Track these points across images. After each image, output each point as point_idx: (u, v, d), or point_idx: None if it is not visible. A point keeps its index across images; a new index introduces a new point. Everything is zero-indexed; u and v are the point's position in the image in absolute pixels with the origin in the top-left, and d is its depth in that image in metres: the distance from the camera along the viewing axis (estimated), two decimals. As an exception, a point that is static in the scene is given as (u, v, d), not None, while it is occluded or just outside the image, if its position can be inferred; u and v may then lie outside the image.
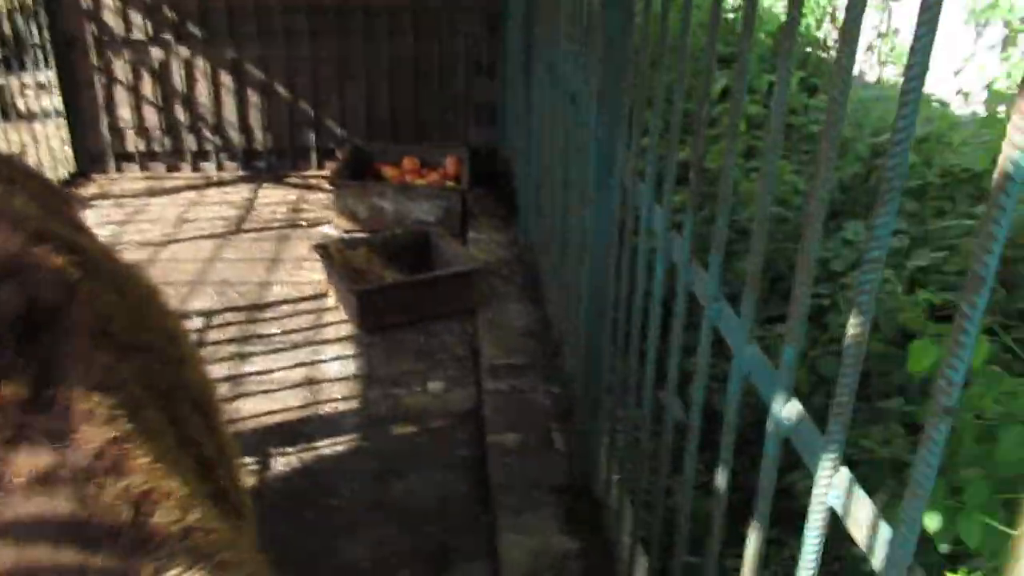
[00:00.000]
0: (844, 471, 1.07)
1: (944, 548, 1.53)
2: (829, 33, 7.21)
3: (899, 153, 0.92)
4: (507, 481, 2.83)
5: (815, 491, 1.09)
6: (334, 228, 4.94)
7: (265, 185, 5.68)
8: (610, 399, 2.68)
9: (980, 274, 0.77)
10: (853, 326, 1.01)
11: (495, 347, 3.68)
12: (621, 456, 2.45)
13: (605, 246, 2.49)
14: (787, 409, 1.22)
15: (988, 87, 4.90)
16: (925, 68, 0.91)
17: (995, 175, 0.74)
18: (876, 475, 2.33)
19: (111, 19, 5.44)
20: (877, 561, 0.98)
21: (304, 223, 5.10)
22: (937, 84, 5.54)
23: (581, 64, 2.88)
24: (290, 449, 3.06)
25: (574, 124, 3.00)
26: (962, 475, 1.57)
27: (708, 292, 1.54)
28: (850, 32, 1.03)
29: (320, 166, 5.84)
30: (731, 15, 7.25)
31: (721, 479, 1.51)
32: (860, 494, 1.03)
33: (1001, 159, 0.73)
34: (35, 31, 5.41)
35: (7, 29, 5.39)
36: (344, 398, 3.39)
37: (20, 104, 5.40)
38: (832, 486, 1.08)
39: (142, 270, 1.29)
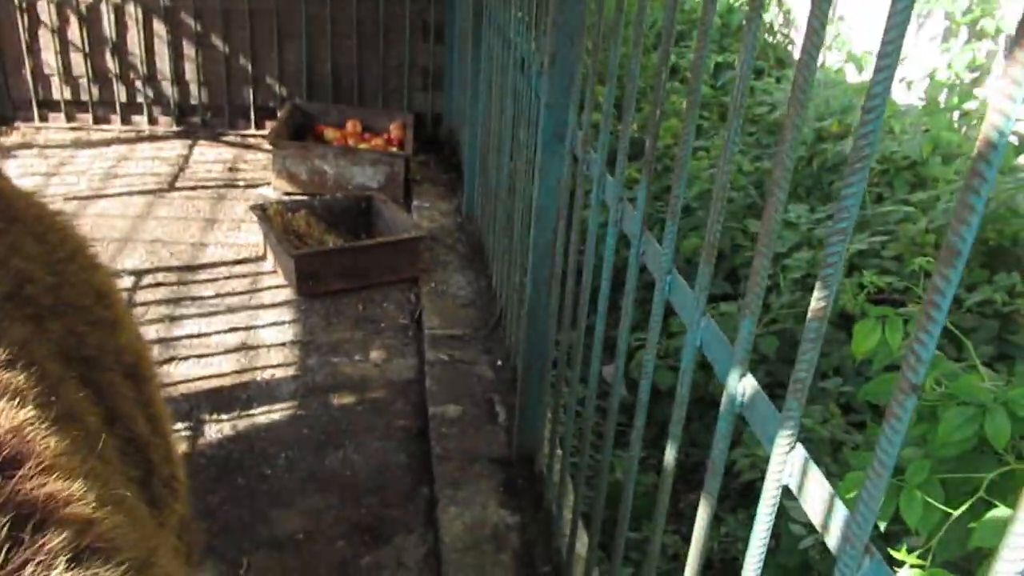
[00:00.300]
0: (800, 449, 1.06)
1: (882, 526, 1.54)
2: (776, 17, 7.26)
3: (872, 121, 0.89)
4: (447, 453, 2.80)
5: (771, 469, 1.08)
6: (273, 190, 4.79)
7: (201, 142, 5.47)
8: (554, 373, 2.65)
9: (956, 248, 0.75)
10: (817, 299, 0.99)
11: (437, 317, 3.62)
12: (564, 430, 2.43)
13: (552, 215, 2.44)
14: (742, 384, 1.20)
15: (930, 76, 5.00)
16: (901, 36, 0.88)
17: (977, 144, 0.72)
18: (814, 454, 2.36)
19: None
20: (833, 540, 0.96)
21: (241, 183, 4.93)
22: (879, 70, 5.63)
23: (532, 28, 2.81)
24: (224, 416, 2.96)
25: (524, 90, 2.94)
26: (903, 454, 1.59)
27: (663, 263, 1.51)
28: (816, 23, 1.00)
29: (259, 125, 5.65)
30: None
31: (670, 455, 1.49)
32: (816, 473, 1.02)
33: (985, 127, 0.71)
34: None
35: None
36: (281, 365, 3.30)
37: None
38: (788, 463, 1.06)
39: (68, 220, 1.18)
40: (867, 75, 5.60)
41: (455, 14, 5.40)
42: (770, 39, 6.91)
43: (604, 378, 3.19)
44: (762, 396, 1.17)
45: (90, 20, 5.32)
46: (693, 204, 4.09)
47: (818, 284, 0.99)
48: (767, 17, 7.15)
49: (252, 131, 5.66)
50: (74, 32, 5.34)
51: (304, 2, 5.39)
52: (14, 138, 5.32)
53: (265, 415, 3.00)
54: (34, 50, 5.36)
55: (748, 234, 3.85)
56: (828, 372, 3.00)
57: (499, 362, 3.31)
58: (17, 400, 0.67)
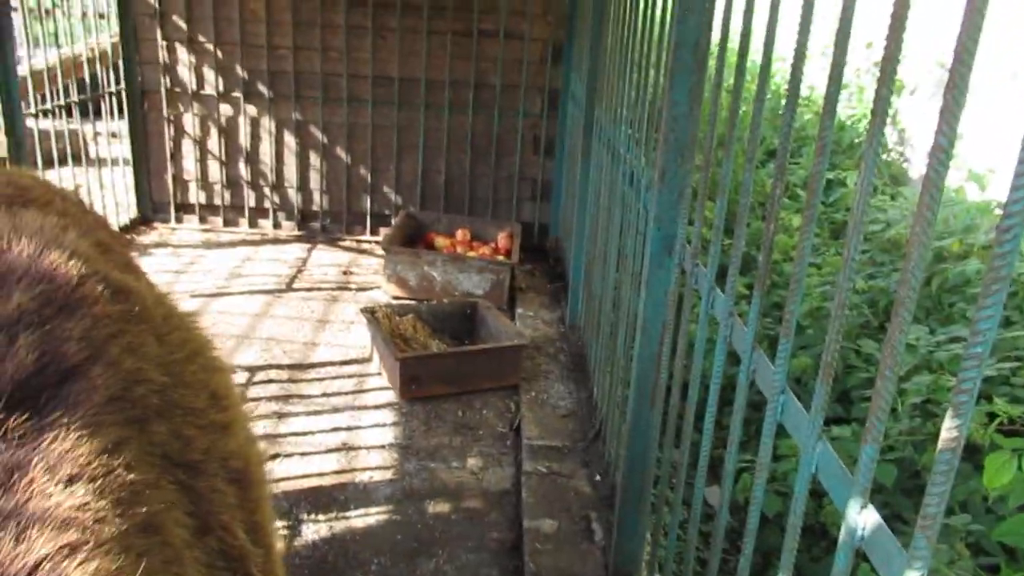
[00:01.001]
0: (931, 595, 0.96)
1: None
2: (890, 134, 7.17)
3: (1009, 240, 0.85)
4: (540, 570, 2.70)
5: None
6: (383, 293, 4.94)
7: (319, 246, 5.75)
8: (655, 491, 2.56)
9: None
10: (948, 429, 0.92)
11: (536, 426, 3.58)
12: (664, 554, 2.32)
13: (658, 328, 2.41)
14: (863, 517, 1.12)
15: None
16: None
17: None
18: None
19: (184, 74, 5.64)
20: None
21: (354, 286, 5.11)
22: (1003, 190, 5.43)
23: (642, 143, 2.86)
24: (322, 517, 2.97)
25: (632, 203, 2.97)
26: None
27: (776, 382, 1.45)
28: (944, 140, 0.97)
29: (374, 231, 5.90)
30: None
31: (781, 589, 1.39)
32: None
33: None
34: (112, 81, 5.62)
35: (86, 77, 5.61)
36: (380, 467, 3.31)
37: (92, 150, 5.58)
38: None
39: (194, 319, 1.22)
40: (990, 194, 5.40)
41: (565, 129, 5.57)
42: (884, 156, 6.80)
43: (707, 500, 3.06)
44: (885, 531, 1.08)
45: (228, 131, 5.76)
46: (803, 322, 3.97)
47: (949, 412, 0.92)
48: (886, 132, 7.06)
49: (367, 236, 5.91)
50: (213, 142, 5.78)
51: (423, 117, 5.68)
52: (152, 237, 5.72)
53: (361, 518, 2.99)
54: (177, 158, 5.82)
55: (862, 354, 3.68)
56: (954, 507, 2.78)
57: (598, 476, 3.23)
58: (73, 516, 0.67)
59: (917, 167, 6.75)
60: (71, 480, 0.70)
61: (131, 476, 0.79)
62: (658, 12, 2.71)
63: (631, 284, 2.92)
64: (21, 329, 0.77)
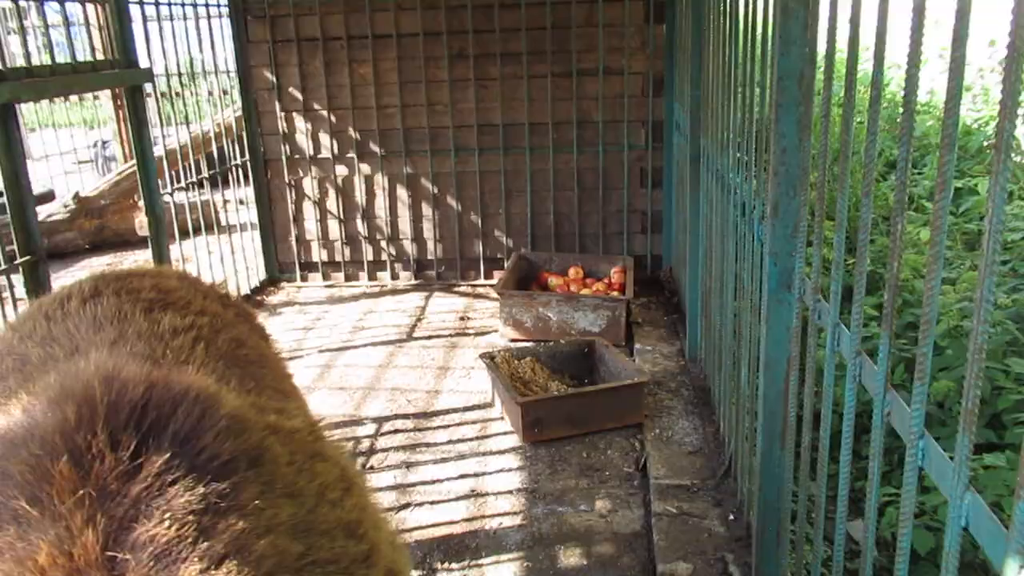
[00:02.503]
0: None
1: None
2: (1020, 134, 6.73)
3: None
4: (678, 614, 2.64)
5: None
6: (500, 337, 5.01)
7: (436, 293, 5.89)
8: (793, 529, 2.47)
9: None
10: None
11: (663, 465, 3.52)
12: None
13: (782, 365, 2.34)
14: (1023, 576, 1.05)
15: None
16: None
17: None
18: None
19: (302, 140, 5.95)
20: None
21: (471, 331, 5.21)
22: None
23: (751, 174, 2.81)
24: (455, 565, 3.01)
25: (745, 233, 2.91)
26: None
27: (913, 428, 1.39)
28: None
29: (487, 275, 6.00)
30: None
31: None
32: None
33: None
34: (236, 152, 5.99)
35: (214, 151, 6.00)
36: (508, 513, 3.33)
37: (222, 218, 5.95)
38: None
39: (338, 447, 1.23)
40: None
41: (672, 159, 5.53)
42: (1018, 158, 6.39)
43: (851, 535, 2.92)
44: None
45: (345, 191, 6.02)
46: (940, 342, 3.75)
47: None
48: (1017, 134, 6.66)
49: (482, 281, 6.02)
50: (331, 202, 6.05)
51: (528, 159, 5.77)
52: (279, 297, 6.02)
53: (493, 565, 3.02)
54: (299, 220, 6.12)
55: (1011, 375, 3.45)
56: None
57: (731, 516, 3.14)
58: None
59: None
60: None
61: None
62: (757, 41, 2.67)
63: (751, 315, 2.85)
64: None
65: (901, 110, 1.47)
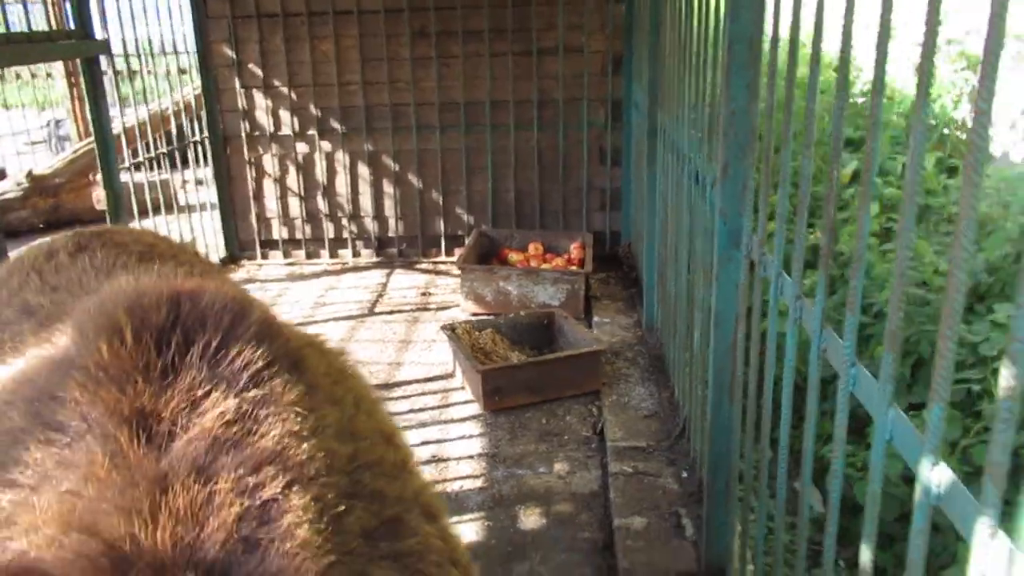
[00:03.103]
0: (1002, 537, 0.99)
1: None
2: (968, 113, 6.96)
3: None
4: (633, 567, 2.74)
5: (973, 558, 1.01)
6: (461, 311, 5.07)
7: (397, 270, 5.93)
8: (741, 485, 2.57)
9: None
10: (1006, 378, 0.95)
11: (620, 429, 3.62)
12: (755, 546, 2.34)
13: (731, 321, 2.44)
14: (936, 474, 1.15)
15: None
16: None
17: None
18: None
19: (262, 118, 5.93)
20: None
21: (433, 306, 5.26)
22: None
23: (705, 142, 2.90)
24: (415, 524, 3.08)
25: (699, 202, 3.01)
26: None
27: (845, 356, 1.48)
28: (983, 103, 1.01)
29: (449, 252, 6.05)
30: (860, 100, 7.14)
31: (865, 556, 1.41)
32: (1022, 558, 0.95)
33: None
34: (196, 131, 5.96)
35: (173, 129, 5.96)
36: (469, 477, 3.40)
37: (181, 198, 5.91)
38: (990, 552, 1.00)
39: (347, 361, 1.25)
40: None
41: (630, 137, 5.63)
42: (963, 136, 6.61)
43: (797, 492, 3.04)
44: (959, 486, 1.11)
45: (306, 168, 6.02)
46: (885, 309, 3.90)
47: (1006, 362, 0.95)
48: (958, 115, 6.87)
49: (443, 258, 6.07)
50: (292, 180, 6.05)
51: (489, 137, 5.83)
52: (240, 275, 6.01)
53: (455, 525, 3.08)
54: (259, 198, 6.11)
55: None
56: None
57: (684, 474, 3.25)
58: None
59: (999, 144, 6.55)
60: None
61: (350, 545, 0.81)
62: (711, 12, 2.76)
63: (703, 281, 2.95)
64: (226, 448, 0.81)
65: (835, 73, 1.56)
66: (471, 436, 3.72)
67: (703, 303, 2.95)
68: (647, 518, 2.98)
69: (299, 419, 0.88)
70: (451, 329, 4.27)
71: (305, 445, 0.85)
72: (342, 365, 1.20)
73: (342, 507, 0.85)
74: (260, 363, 0.90)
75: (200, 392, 0.85)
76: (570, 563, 2.89)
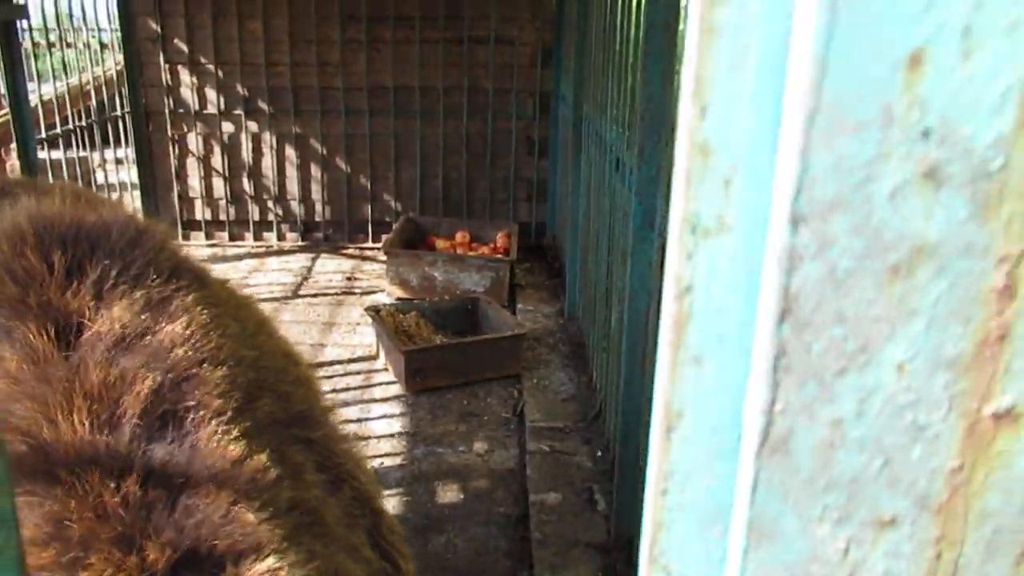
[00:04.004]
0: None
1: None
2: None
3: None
4: (546, 538, 2.82)
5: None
6: (387, 296, 5.09)
7: (323, 255, 5.90)
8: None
9: None
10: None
11: (539, 411, 3.71)
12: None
13: (644, 300, 2.54)
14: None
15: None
16: None
17: None
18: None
19: (187, 95, 5.82)
20: None
21: (358, 291, 5.26)
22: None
23: (624, 129, 3.00)
24: (333, 498, 3.10)
25: (619, 188, 3.11)
26: None
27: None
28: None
29: (375, 238, 6.05)
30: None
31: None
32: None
33: None
34: (118, 106, 5.81)
35: (93, 104, 5.79)
36: (390, 454, 3.44)
37: (100, 177, 5.75)
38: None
39: (249, 296, 1.31)
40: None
41: (557, 130, 5.73)
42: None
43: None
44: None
45: (231, 148, 5.93)
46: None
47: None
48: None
49: (370, 244, 6.06)
50: (217, 160, 5.95)
51: (419, 124, 5.85)
52: (160, 254, 5.88)
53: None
54: (182, 176, 5.99)
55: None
56: None
57: (599, 453, 3.35)
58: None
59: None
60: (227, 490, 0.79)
61: (268, 466, 0.85)
62: (633, 3, 2.86)
63: (620, 264, 3.05)
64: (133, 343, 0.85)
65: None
66: (392, 416, 3.75)
67: (619, 284, 3.05)
68: (562, 493, 3.07)
69: (205, 314, 0.92)
70: (375, 311, 4.29)
71: (213, 335, 0.89)
72: (243, 295, 1.25)
73: (252, 392, 0.89)
74: (166, 267, 0.94)
75: (106, 286, 0.87)
76: (485, 536, 2.95)
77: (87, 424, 0.72)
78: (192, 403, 0.78)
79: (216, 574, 0.69)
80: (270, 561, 0.71)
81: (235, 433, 0.78)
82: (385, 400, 3.89)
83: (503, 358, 4.07)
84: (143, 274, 0.90)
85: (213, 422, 0.77)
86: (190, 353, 0.83)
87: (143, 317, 0.85)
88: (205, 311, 0.91)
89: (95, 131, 5.65)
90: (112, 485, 0.70)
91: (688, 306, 0.24)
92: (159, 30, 5.68)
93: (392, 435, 3.59)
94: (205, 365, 0.83)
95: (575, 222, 4.64)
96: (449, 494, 3.19)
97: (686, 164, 0.27)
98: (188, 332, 0.85)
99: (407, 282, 5.03)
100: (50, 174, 5.17)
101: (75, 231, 0.91)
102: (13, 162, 5.50)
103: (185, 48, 5.73)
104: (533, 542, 2.82)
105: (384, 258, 5.21)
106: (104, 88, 5.85)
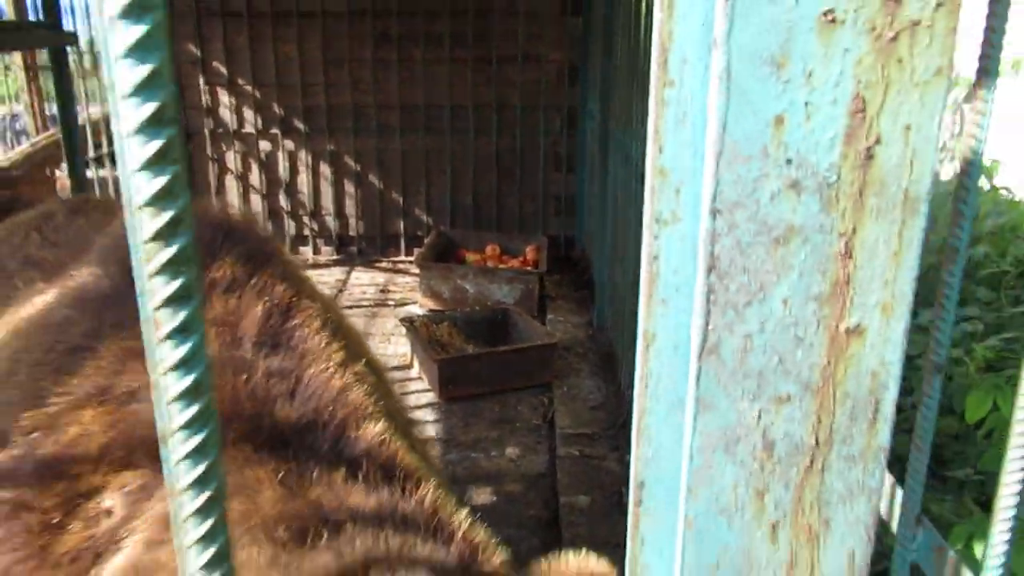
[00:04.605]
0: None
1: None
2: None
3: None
4: (577, 539, 2.93)
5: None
6: (419, 307, 5.23)
7: (357, 268, 6.07)
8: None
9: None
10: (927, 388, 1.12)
11: (569, 417, 3.81)
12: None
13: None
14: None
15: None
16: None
17: None
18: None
19: (226, 115, 6.04)
20: None
21: (391, 303, 5.41)
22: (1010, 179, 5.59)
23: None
24: (372, 500, 3.23)
25: (644, 199, 3.22)
26: None
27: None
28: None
29: (408, 252, 6.20)
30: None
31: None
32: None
33: None
34: (161, 128, 6.03)
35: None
36: (423, 459, 3.56)
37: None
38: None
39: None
40: (998, 182, 5.55)
41: (585, 146, 5.85)
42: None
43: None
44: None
45: (268, 166, 6.13)
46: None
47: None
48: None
49: (402, 257, 6.22)
50: (254, 177, 6.15)
51: (449, 141, 6.00)
52: (200, 269, 6.09)
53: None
54: (221, 193, 6.20)
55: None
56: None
57: (627, 458, 3.45)
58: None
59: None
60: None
61: (366, 372, 1.07)
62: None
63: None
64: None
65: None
66: (426, 422, 3.88)
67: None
68: (591, 496, 3.17)
69: (297, 271, 1.13)
70: (409, 322, 4.43)
71: (306, 284, 1.11)
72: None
73: (338, 330, 1.10)
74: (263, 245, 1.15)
75: (216, 246, 1.07)
76: (518, 538, 3.06)
77: (216, 344, 0.90)
78: (297, 322, 0.95)
79: (339, 435, 0.86)
80: (380, 427, 0.89)
81: (335, 346, 0.96)
82: (419, 408, 4.02)
83: (534, 367, 4.18)
84: (246, 239, 1.11)
85: (316, 336, 0.95)
86: (290, 290, 1.02)
87: (248, 267, 1.04)
88: (297, 270, 1.13)
89: (139, 150, 5.86)
90: (243, 378, 0.88)
91: (656, 268, 0.38)
92: (199, 53, 5.90)
93: (426, 441, 3.71)
94: (304, 298, 1.03)
95: (602, 234, 4.75)
96: (482, 496, 3.30)
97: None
98: (286, 275, 1.06)
99: (439, 294, 5.17)
100: (97, 192, 5.39)
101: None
102: (63, 181, 5.74)
103: (224, 70, 5.94)
104: (563, 543, 2.93)
105: (417, 271, 5.35)
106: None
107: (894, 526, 1.11)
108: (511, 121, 6.01)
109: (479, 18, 5.83)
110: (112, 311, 1.03)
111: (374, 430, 0.95)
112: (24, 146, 8.14)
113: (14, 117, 10.38)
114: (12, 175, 7.65)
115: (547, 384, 4.18)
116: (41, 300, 1.16)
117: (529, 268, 5.48)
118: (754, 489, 0.33)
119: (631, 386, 2.50)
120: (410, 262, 6.02)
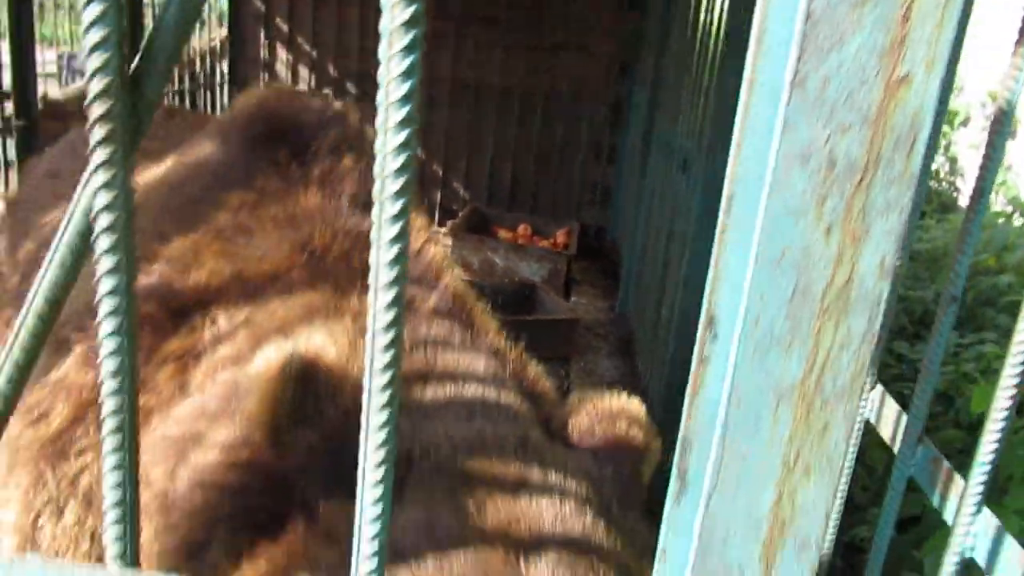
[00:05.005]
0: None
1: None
2: (942, 164, 7.40)
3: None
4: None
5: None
6: (448, 275, 5.35)
7: (390, 233, 6.20)
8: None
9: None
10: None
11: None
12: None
13: (701, 285, 2.76)
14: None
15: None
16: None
17: None
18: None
19: (282, 71, 6.20)
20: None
21: (421, 268, 5.54)
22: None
23: (695, 132, 3.23)
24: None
25: (684, 189, 3.33)
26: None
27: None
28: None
29: (441, 223, 6.33)
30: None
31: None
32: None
33: None
34: (216, 75, 6.21)
35: (197, 69, 6.20)
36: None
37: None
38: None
39: None
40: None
41: (628, 139, 5.96)
42: (935, 185, 7.03)
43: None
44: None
45: (316, 125, 6.27)
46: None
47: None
48: (933, 165, 7.30)
49: (435, 228, 6.35)
50: (301, 134, 6.30)
51: (495, 121, 6.13)
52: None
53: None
54: (267, 147, 6.36)
55: (894, 353, 3.96)
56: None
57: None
58: None
59: (967, 196, 6.97)
60: None
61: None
62: (714, 17, 3.09)
63: (678, 257, 3.27)
64: None
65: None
66: (447, 380, 4.00)
67: (676, 276, 3.27)
68: (600, 462, 3.29)
69: None
70: (439, 285, 4.55)
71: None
72: None
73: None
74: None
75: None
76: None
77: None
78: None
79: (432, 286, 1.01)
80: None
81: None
82: (441, 366, 4.15)
83: (555, 340, 4.29)
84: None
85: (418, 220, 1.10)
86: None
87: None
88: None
89: (196, 97, 6.04)
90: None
91: (764, 23, 0.45)
92: (263, 8, 6.07)
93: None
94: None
95: (636, 223, 4.86)
96: (495, 453, 3.43)
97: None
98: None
99: (469, 264, 5.30)
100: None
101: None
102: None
103: (285, 27, 6.10)
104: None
105: (449, 241, 5.48)
106: (208, 56, 6.26)
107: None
108: (557, 109, 6.12)
109: (536, 6, 5.94)
110: (232, 172, 1.17)
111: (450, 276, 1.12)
112: (80, 83, 8.36)
113: (71, 57, 10.63)
114: (67, 109, 7.88)
115: (566, 358, 4.30)
116: (159, 170, 1.31)
117: (559, 250, 5.59)
118: (818, 195, 0.44)
119: (647, 367, 2.63)
120: (443, 233, 6.14)
